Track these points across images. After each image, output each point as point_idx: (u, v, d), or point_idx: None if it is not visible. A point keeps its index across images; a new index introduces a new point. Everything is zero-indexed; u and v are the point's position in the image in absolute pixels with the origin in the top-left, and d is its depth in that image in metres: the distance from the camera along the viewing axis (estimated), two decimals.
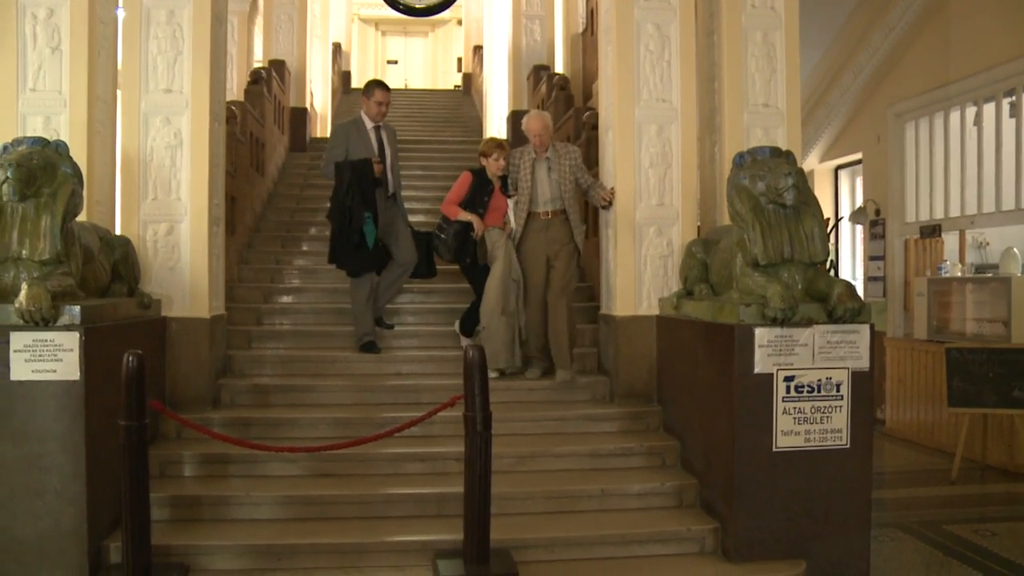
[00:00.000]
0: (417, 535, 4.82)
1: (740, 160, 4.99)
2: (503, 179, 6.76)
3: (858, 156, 10.64)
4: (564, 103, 9.44)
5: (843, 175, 11.52)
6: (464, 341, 6.83)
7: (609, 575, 4.64)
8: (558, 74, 10.72)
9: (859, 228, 10.74)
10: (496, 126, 13.88)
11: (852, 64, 10.10)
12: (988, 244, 9.26)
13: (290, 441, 5.50)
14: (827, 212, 11.07)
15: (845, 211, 11.37)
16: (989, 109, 8.69)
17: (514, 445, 5.61)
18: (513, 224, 6.68)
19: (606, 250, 6.42)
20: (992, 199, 8.55)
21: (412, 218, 9.47)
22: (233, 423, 5.73)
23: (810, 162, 11.22)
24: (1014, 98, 8.35)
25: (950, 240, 9.24)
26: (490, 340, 6.40)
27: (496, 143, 6.87)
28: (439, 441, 5.58)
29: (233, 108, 8.14)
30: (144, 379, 4.31)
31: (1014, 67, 8.15)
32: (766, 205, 4.78)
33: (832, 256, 10.45)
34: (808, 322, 4.64)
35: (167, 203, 5.86)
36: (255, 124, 9.15)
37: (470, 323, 6.90)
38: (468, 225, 6.70)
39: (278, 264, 8.58)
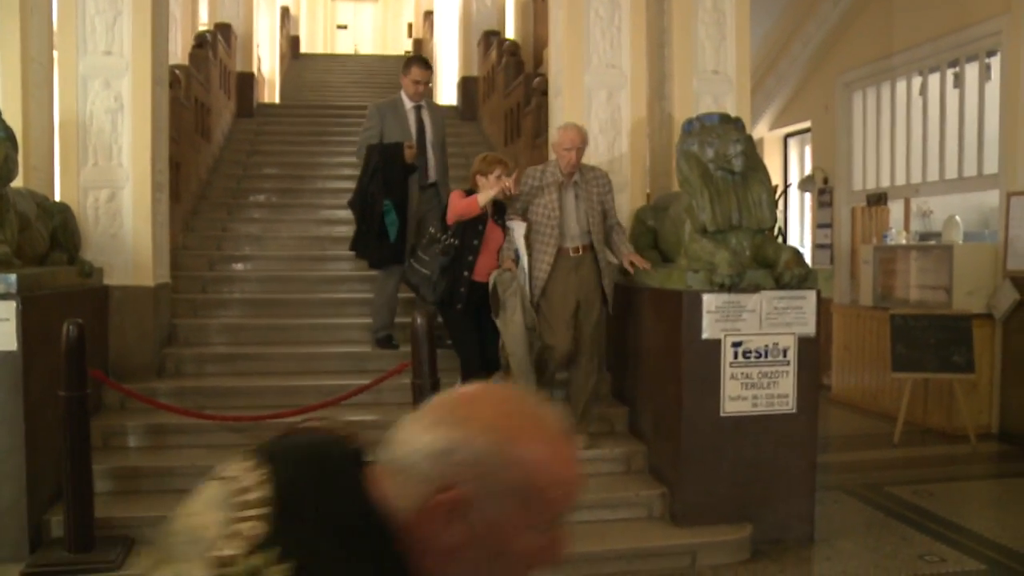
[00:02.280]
0: None
1: (689, 127, 5.00)
2: (498, 207, 5.48)
3: (807, 124, 10.73)
4: (514, 69, 9.37)
5: (792, 143, 11.61)
6: None
7: (593, 538, 4.66)
8: (508, 39, 10.64)
9: (807, 196, 10.85)
10: (446, 93, 13.76)
11: (801, 33, 10.14)
12: (932, 212, 9.41)
13: (237, 410, 5.42)
14: (776, 180, 11.16)
15: (794, 179, 11.47)
16: (934, 79, 8.79)
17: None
18: (523, 258, 5.28)
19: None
20: (936, 168, 8.67)
21: (346, 186, 9.44)
22: (178, 393, 5.65)
23: (760, 130, 11.28)
24: (957, 69, 8.45)
25: (896, 208, 9.38)
26: None
27: (497, 160, 5.50)
28: (388, 409, 5.56)
29: (177, 72, 7.96)
30: (84, 348, 4.22)
31: (957, 38, 8.24)
32: (715, 172, 4.80)
33: (780, 223, 10.56)
34: (756, 288, 4.67)
35: (108, 169, 5.72)
36: (200, 89, 8.96)
37: None
38: (460, 257, 5.39)
39: (224, 232, 8.44)
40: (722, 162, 4.73)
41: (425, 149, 6.38)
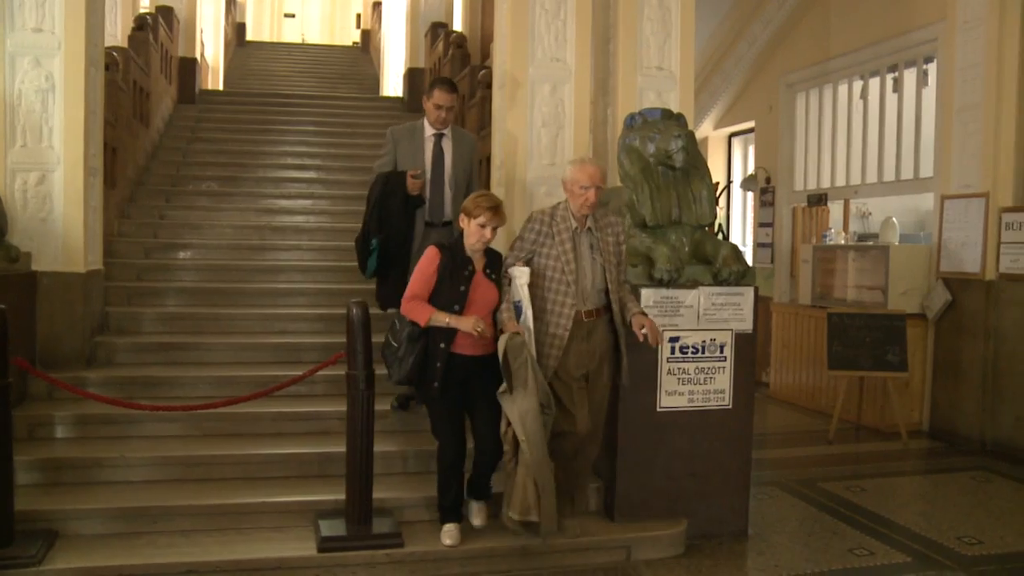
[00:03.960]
0: (299, 495, 4.74)
1: (631, 121, 4.99)
2: (490, 255, 4.48)
3: (751, 124, 10.84)
4: (460, 61, 9.32)
5: (736, 142, 11.72)
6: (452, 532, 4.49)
7: (506, 532, 4.64)
8: (455, 32, 10.58)
9: (750, 195, 10.96)
10: (392, 84, 13.65)
11: (747, 33, 10.23)
12: (871, 214, 9.57)
13: (169, 400, 5.31)
14: (720, 178, 11.27)
15: (737, 178, 11.57)
16: (874, 83, 8.93)
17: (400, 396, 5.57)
18: (527, 314, 4.33)
19: None
20: (875, 171, 8.81)
21: (300, 175, 9.33)
22: (109, 382, 5.52)
23: (705, 129, 11.37)
24: (896, 74, 8.60)
25: (835, 209, 9.52)
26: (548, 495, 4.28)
27: (490, 202, 4.35)
28: (322, 400, 5.50)
29: (114, 54, 7.76)
30: (7, 336, 4.09)
31: (896, 44, 8.39)
32: (655, 167, 4.80)
33: (721, 220, 10.66)
34: (694, 284, 4.69)
35: (38, 151, 5.55)
36: (139, 72, 8.77)
37: (451, 493, 4.52)
38: (439, 333, 4.30)
39: (162, 219, 8.26)
40: (663, 158, 4.74)
41: (442, 183, 5.54)
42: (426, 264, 4.36)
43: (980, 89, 7.24)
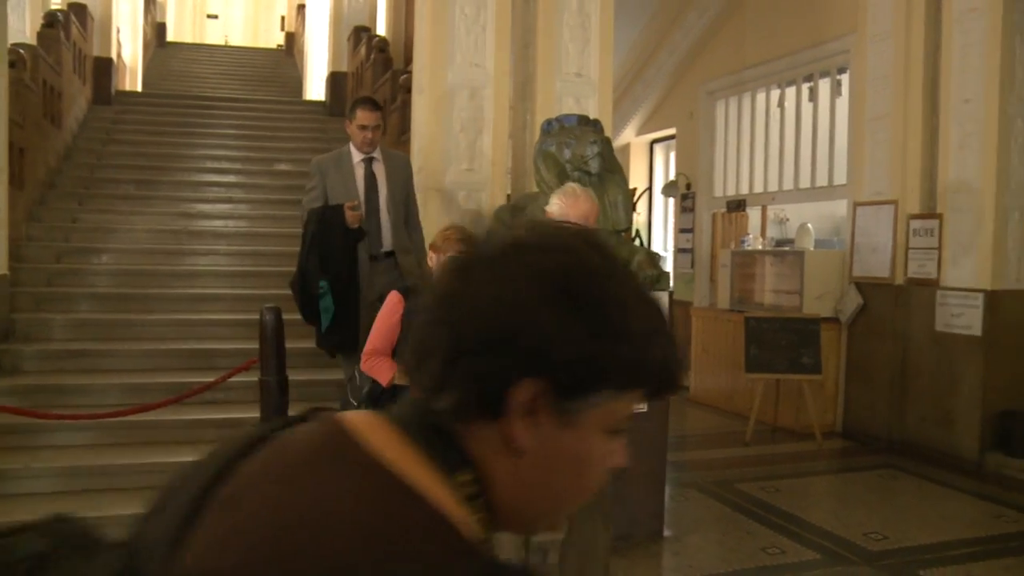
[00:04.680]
0: None
1: (548, 127, 5.03)
2: None
3: (672, 131, 11.00)
4: (382, 66, 9.28)
5: (658, 149, 11.88)
6: None
7: None
8: (378, 36, 10.53)
9: (671, 201, 11.12)
10: (315, 88, 13.53)
11: (668, 42, 10.39)
12: (788, 220, 9.77)
13: (79, 409, 5.18)
14: (642, 185, 11.41)
15: (659, 184, 11.73)
16: (791, 92, 9.15)
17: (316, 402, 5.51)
18: None
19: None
20: (791, 177, 9.02)
21: (219, 179, 9.19)
22: (15, 391, 5.37)
23: (627, 135, 11.51)
24: (812, 84, 8.82)
25: (754, 215, 9.71)
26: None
27: (460, 234, 3.82)
28: (238, 407, 5.41)
29: (21, 51, 7.54)
30: None
31: (811, 54, 8.61)
32: (571, 172, 4.84)
33: (638, 225, 10.78)
34: None
35: None
36: (49, 71, 8.53)
37: None
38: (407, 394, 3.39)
39: (75, 223, 8.05)
40: (579, 163, 4.78)
41: (378, 211, 5.21)
42: (387, 313, 3.83)
43: (889, 100, 7.46)
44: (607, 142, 4.89)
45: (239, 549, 0.73)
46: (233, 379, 4.92)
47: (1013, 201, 6.85)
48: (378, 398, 3.79)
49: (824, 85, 8.74)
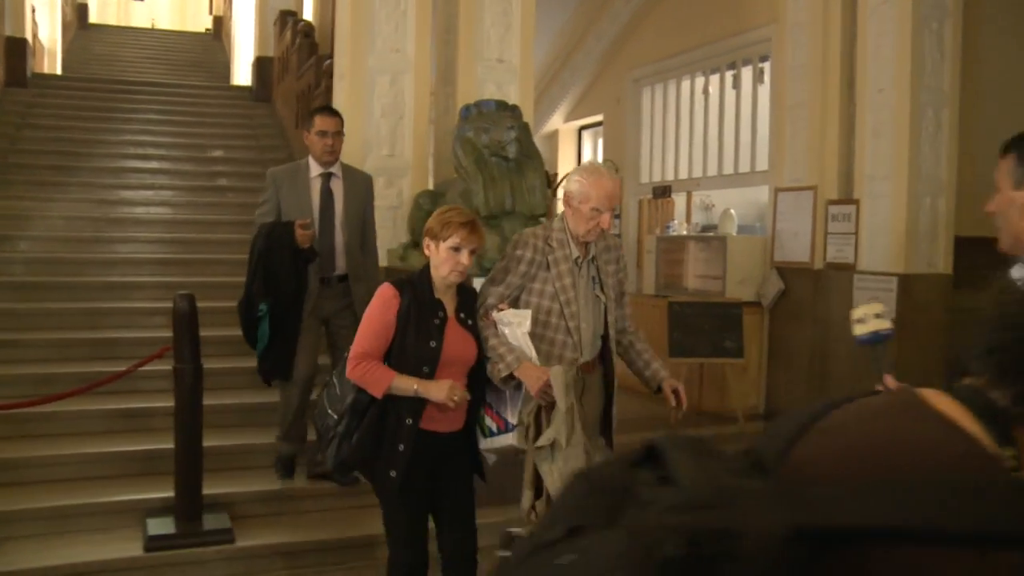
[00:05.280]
0: (127, 494, 4.62)
1: (466, 112, 5.04)
2: (463, 294, 3.39)
3: (600, 118, 11.06)
4: (307, 51, 9.16)
5: (586, 135, 11.95)
6: None
7: (337, 525, 4.62)
8: (304, 20, 10.40)
9: None
10: (243, 73, 13.33)
11: (595, 28, 10.44)
12: (713, 206, 9.91)
13: None
14: (567, 170, 11.46)
15: None
16: (715, 80, 9.26)
17: (238, 396, 5.46)
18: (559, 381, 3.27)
19: None
20: (715, 164, 9.14)
21: (142, 164, 9.02)
22: None
23: (555, 121, 11.55)
24: (735, 71, 8.94)
25: (680, 201, 9.82)
26: None
27: (462, 216, 3.27)
28: (153, 396, 5.34)
29: None
30: None
31: (734, 42, 8.73)
32: (489, 157, 4.86)
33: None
34: None
35: None
36: None
37: None
38: (405, 404, 3.21)
39: None
40: (496, 148, 4.80)
41: (332, 230, 4.79)
42: (380, 310, 3.20)
43: (808, 88, 7.60)
44: (525, 127, 4.91)
45: (834, 448, 1.02)
46: (148, 368, 4.85)
47: (924, 187, 7.03)
48: (364, 410, 3.18)
49: (747, 73, 8.87)
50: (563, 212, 3.44)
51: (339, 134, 4.86)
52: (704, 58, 9.21)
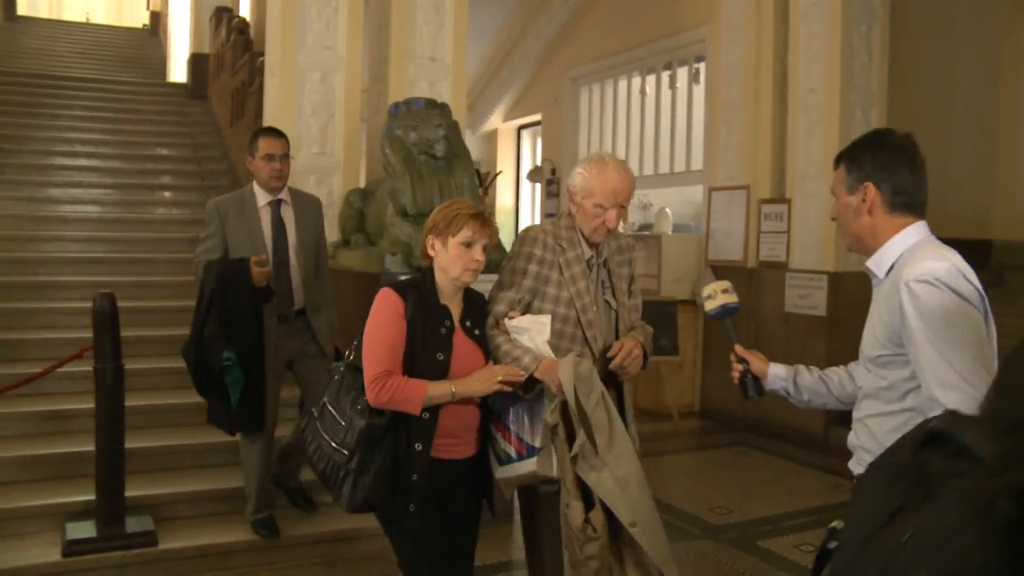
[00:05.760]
0: (46, 499, 4.48)
1: (395, 110, 5.00)
2: (469, 299, 2.94)
3: (538, 117, 11.09)
4: (242, 48, 9.04)
5: (525, 135, 11.97)
6: None
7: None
8: (239, 17, 10.26)
9: (538, 186, 11.22)
10: (179, 70, 13.12)
11: (534, 27, 10.46)
12: (652, 205, 9.98)
13: None
14: (510, 171, 11.47)
15: (527, 169, 11.83)
16: (652, 80, 9.33)
17: (162, 397, 5.36)
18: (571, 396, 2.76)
19: None
20: (652, 163, 9.20)
21: (70, 162, 8.82)
22: None
23: (494, 121, 11.55)
24: (671, 71, 9.01)
25: None
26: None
27: (470, 208, 2.87)
28: (71, 398, 5.22)
29: None
30: None
31: (670, 42, 8.81)
32: (418, 156, 4.83)
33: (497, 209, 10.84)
34: None
35: None
36: None
37: None
38: (413, 428, 2.74)
39: None
40: (424, 146, 4.78)
41: (287, 264, 4.36)
42: (389, 318, 2.74)
43: (741, 88, 7.69)
44: (454, 126, 4.89)
45: None
46: (69, 369, 4.74)
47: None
48: (380, 439, 2.71)
49: (683, 73, 8.95)
50: (570, 208, 3.07)
51: (287, 157, 4.38)
52: (641, 58, 9.27)
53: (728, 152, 7.85)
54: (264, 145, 4.32)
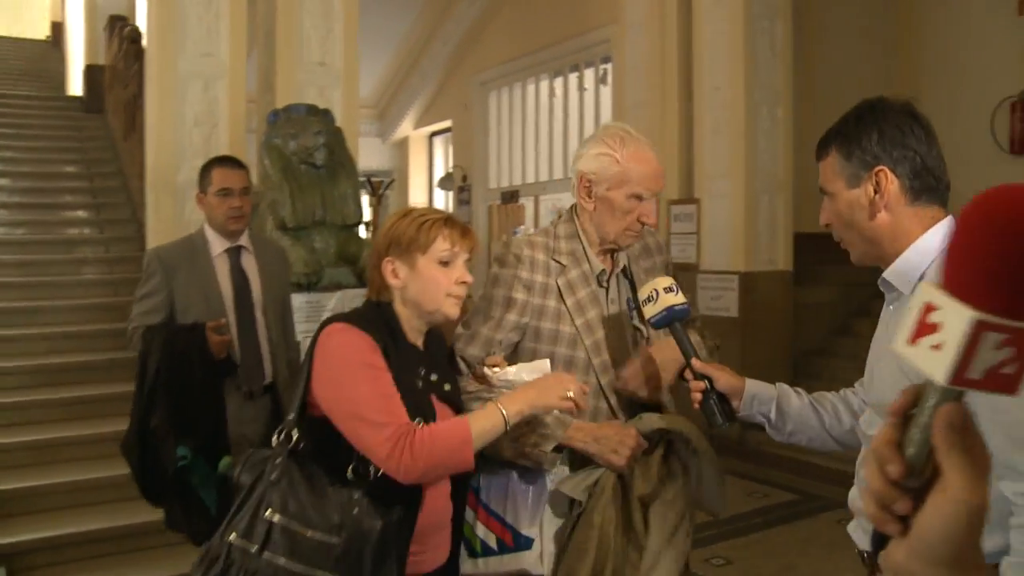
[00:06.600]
0: None
1: (274, 118, 4.76)
2: (431, 344, 2.11)
3: (449, 123, 10.89)
4: (134, 57, 8.67)
5: (437, 141, 11.76)
6: None
7: (136, 568, 4.26)
8: (131, 26, 9.86)
9: (451, 194, 11.02)
10: (74, 81, 12.63)
11: (441, 32, 10.27)
12: (565, 209, 9.86)
13: None
14: (422, 179, 11.25)
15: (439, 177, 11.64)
16: (560, 82, 9.20)
17: (36, 432, 5.02)
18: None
19: (146, 217, 5.89)
20: (561, 167, 9.07)
21: None
22: None
23: (405, 128, 11.33)
24: (579, 73, 8.89)
25: (531, 205, 9.72)
26: None
27: (439, 216, 2.03)
28: None
29: None
30: None
31: (577, 43, 8.69)
32: (298, 165, 4.59)
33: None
34: (337, 286, 4.52)
35: None
36: None
37: None
38: (392, 534, 1.87)
39: None
40: (305, 156, 4.54)
41: (253, 328, 3.44)
42: (368, 356, 1.90)
43: (647, 88, 7.59)
44: (337, 133, 4.67)
45: None
46: None
47: (762, 185, 7.09)
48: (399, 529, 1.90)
49: (590, 74, 8.83)
50: (571, 211, 2.32)
51: (247, 192, 3.47)
52: (548, 60, 9.14)
53: None
54: (219, 178, 3.40)
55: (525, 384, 1.98)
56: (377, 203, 8.50)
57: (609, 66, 8.45)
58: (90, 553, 4.33)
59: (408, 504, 1.89)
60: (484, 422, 1.88)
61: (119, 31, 9.57)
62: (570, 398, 1.92)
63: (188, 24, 5.64)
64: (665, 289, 2.04)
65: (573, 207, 2.34)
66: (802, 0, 7.42)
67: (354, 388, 1.88)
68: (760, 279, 7.03)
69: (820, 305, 7.56)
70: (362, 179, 7.88)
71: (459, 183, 10.15)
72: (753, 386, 1.98)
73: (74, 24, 13.28)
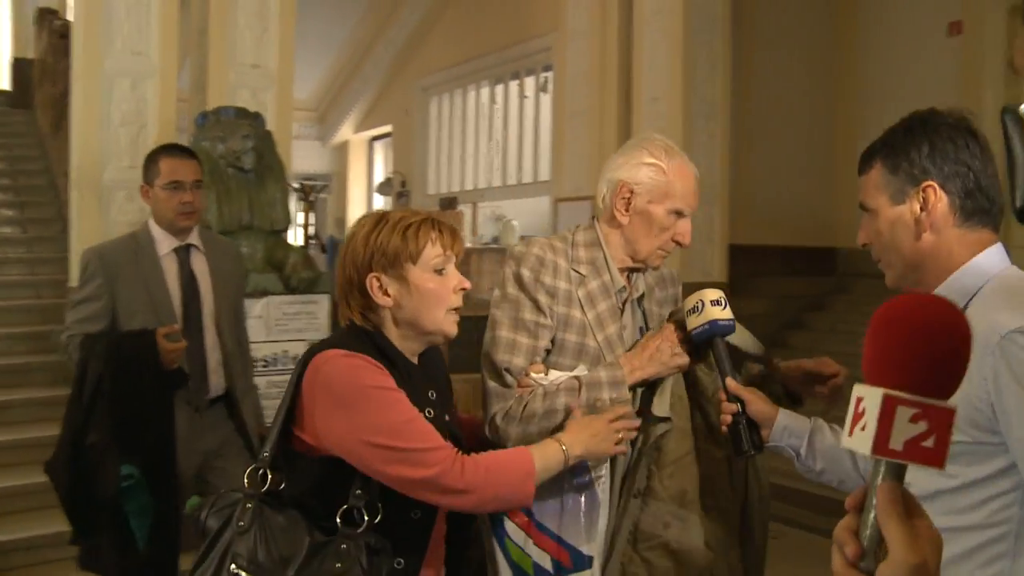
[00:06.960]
0: None
1: (202, 120, 4.68)
2: (429, 362, 1.93)
3: (390, 128, 10.81)
4: (63, 52, 8.44)
5: (378, 146, 11.68)
6: None
7: None
8: (62, 19, 9.62)
9: (389, 199, 10.95)
10: (4, 77, 12.27)
11: (384, 37, 10.19)
12: (505, 217, 9.82)
13: None
14: (361, 184, 11.14)
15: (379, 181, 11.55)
16: (501, 89, 9.18)
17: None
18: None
19: (70, 217, 5.71)
20: (500, 174, 9.04)
21: None
22: None
23: (345, 132, 11.22)
24: (519, 80, 8.87)
25: (469, 212, 9.67)
26: None
27: (422, 217, 1.79)
28: None
29: None
30: None
31: (518, 51, 8.69)
32: (226, 169, 4.50)
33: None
34: (263, 293, 4.43)
35: None
36: None
37: None
38: (398, 545, 1.71)
39: None
40: (232, 159, 4.45)
41: (201, 335, 3.13)
42: (379, 379, 1.68)
43: (587, 97, 7.59)
44: (267, 136, 4.59)
45: None
46: None
47: (702, 197, 7.11)
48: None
49: (531, 82, 8.82)
50: (593, 221, 2.13)
51: (199, 185, 3.14)
52: (490, 67, 9.12)
53: (574, 162, 7.73)
54: (168, 168, 3.04)
55: (578, 423, 1.83)
56: (308, 208, 8.37)
57: (550, 74, 8.45)
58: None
59: (410, 553, 1.70)
60: (548, 461, 1.73)
61: (48, 25, 9.33)
62: (621, 439, 1.86)
63: (116, 20, 5.49)
64: (712, 302, 1.91)
65: (593, 219, 2.14)
66: (741, 13, 7.48)
67: (378, 414, 1.64)
68: (695, 290, 7.06)
69: (754, 317, 7.59)
70: (296, 184, 7.78)
71: (398, 188, 10.08)
72: (786, 417, 1.85)
73: (3, 16, 12.89)
